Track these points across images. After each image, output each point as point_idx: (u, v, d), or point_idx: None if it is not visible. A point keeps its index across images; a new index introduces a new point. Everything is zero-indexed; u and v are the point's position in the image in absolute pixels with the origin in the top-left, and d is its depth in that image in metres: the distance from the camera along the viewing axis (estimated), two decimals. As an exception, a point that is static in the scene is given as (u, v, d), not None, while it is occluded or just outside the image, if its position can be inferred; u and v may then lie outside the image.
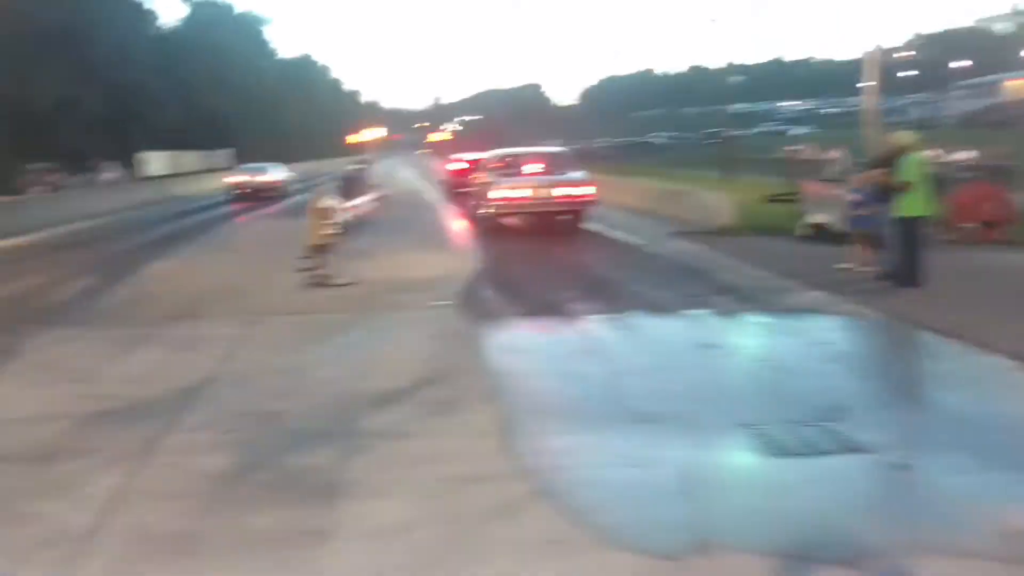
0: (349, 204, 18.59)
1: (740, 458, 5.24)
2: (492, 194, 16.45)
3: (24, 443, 5.66)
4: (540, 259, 13.48)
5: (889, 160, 10.84)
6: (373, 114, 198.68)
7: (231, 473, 5.06)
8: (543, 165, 17.35)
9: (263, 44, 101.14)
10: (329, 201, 17.06)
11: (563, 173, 16.81)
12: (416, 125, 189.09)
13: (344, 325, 8.99)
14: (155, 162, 48.60)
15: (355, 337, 8.47)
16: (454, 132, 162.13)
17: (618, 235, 16.26)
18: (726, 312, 9.07)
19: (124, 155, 46.93)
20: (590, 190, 16.38)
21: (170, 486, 4.89)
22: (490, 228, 17.01)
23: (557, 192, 16.13)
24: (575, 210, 16.64)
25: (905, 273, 10.35)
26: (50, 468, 5.18)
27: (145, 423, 5.94)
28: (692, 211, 18.14)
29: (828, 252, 12.20)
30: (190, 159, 54.27)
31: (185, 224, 22.61)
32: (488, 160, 18.50)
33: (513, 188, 16.30)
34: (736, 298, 9.81)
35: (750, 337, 8.15)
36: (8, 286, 12.12)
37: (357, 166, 30.00)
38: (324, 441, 5.56)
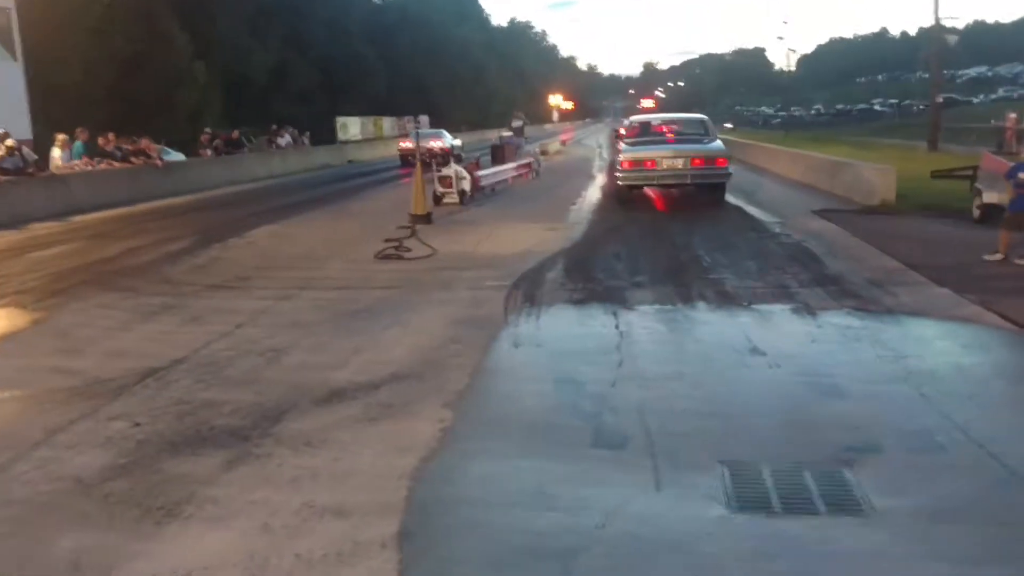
0: (478, 172, 18.03)
1: (689, 510, 4.07)
2: (620, 164, 15.31)
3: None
4: (646, 236, 12.22)
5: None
6: (590, 80, 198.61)
7: (94, 479, 4.45)
8: (679, 134, 16.00)
9: (476, 12, 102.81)
10: (449, 169, 16.60)
11: (698, 143, 15.44)
12: (631, 91, 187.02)
13: (375, 304, 8.30)
14: (351, 127, 50.14)
15: (372, 319, 7.75)
16: (657, 99, 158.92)
17: (753, 211, 14.69)
18: (808, 309, 7.64)
19: (331, 122, 48.80)
20: (724, 162, 14.93)
21: (20, 491, 4.36)
22: (623, 200, 15.86)
23: (689, 163, 14.76)
24: (710, 183, 15.23)
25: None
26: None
27: (74, 407, 5.49)
28: (852, 186, 16.23)
29: (994, 239, 10.28)
30: (386, 124, 55.48)
31: (335, 188, 22.77)
32: (625, 128, 17.33)
33: (641, 158, 15.07)
34: (833, 292, 8.30)
35: (816, 343, 6.71)
36: (110, 247, 12.33)
37: (508, 133, 29.30)
38: (227, 444, 4.87)
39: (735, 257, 10.30)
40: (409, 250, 11.19)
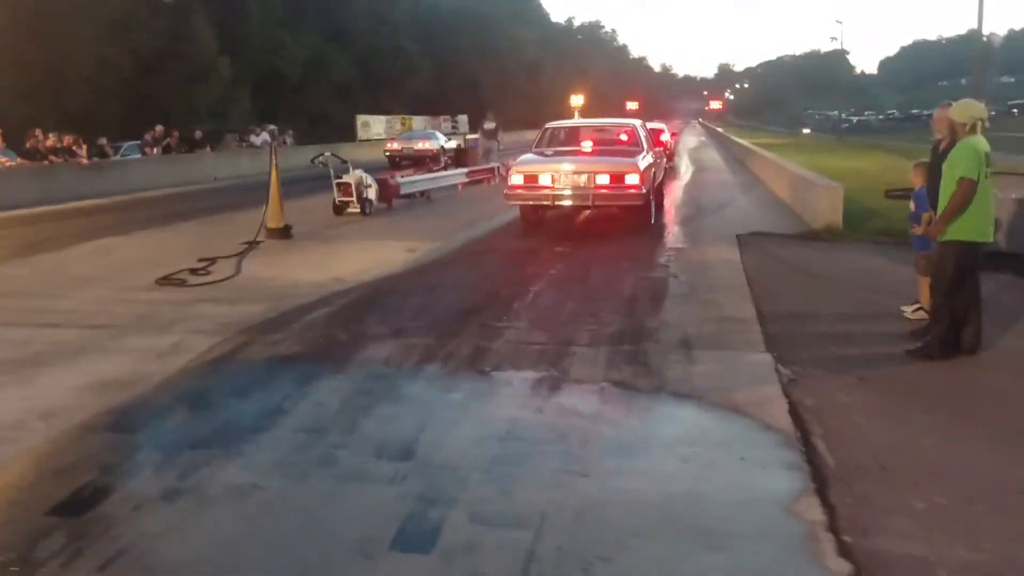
0: (398, 179, 16.37)
1: None
2: (511, 178, 12.66)
3: None
4: (502, 265, 10.32)
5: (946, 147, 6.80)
6: (664, 80, 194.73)
7: None
8: (599, 145, 13.60)
9: (533, 8, 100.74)
10: (350, 176, 14.93)
11: (614, 157, 12.81)
12: (705, 92, 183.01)
13: (45, 350, 6.54)
14: (374, 126, 48.71)
15: (6, 373, 6.12)
16: (726, 101, 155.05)
17: (672, 235, 12.70)
18: (555, 382, 5.76)
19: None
20: (637, 183, 11.98)
21: None
22: (527, 220, 13.26)
23: (591, 182, 12.02)
24: (619, 206, 12.53)
25: (940, 332, 6.39)
26: None
27: None
28: (807, 205, 14.11)
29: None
30: (417, 123, 53.65)
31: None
32: (541, 136, 14.77)
33: (535, 172, 12.44)
34: (620, 355, 6.36)
35: (505, 442, 4.78)
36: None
37: (473, 136, 27.47)
38: None
39: (566, 297, 8.40)
40: (209, 273, 9.59)
